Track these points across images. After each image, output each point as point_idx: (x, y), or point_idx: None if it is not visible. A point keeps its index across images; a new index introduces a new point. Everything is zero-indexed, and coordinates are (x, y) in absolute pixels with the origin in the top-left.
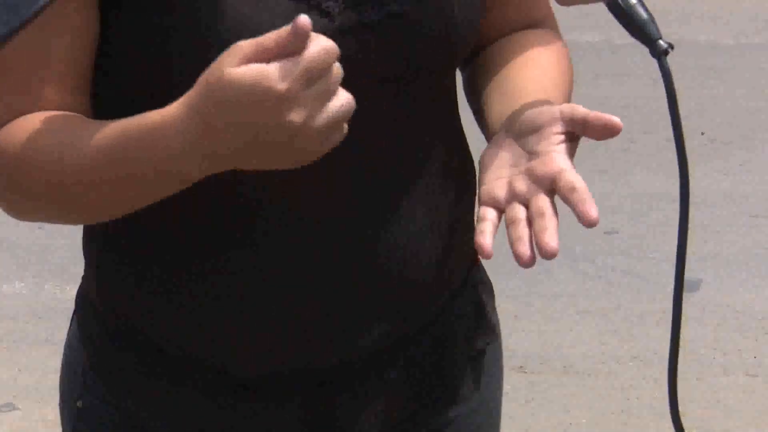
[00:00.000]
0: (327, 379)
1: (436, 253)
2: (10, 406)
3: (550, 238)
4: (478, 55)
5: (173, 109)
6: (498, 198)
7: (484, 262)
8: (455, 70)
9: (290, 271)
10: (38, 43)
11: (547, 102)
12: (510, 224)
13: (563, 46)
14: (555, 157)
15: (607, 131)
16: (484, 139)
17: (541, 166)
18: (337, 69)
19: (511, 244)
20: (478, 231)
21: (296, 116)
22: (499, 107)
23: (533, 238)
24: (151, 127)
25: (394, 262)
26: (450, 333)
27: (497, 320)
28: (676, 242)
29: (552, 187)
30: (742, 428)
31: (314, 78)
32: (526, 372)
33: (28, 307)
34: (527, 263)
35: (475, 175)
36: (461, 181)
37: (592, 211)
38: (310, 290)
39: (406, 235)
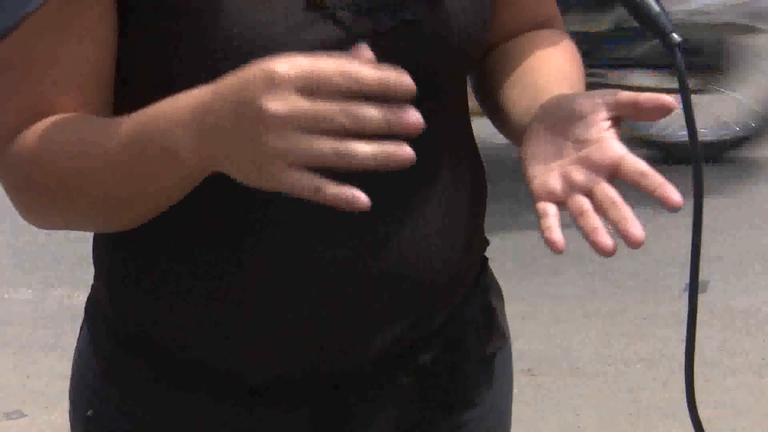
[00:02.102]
0: (339, 384)
1: (448, 256)
2: (19, 413)
3: (635, 227)
4: (487, 57)
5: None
6: (554, 191)
7: (492, 266)
8: (466, 76)
9: (302, 274)
10: (60, 51)
11: (578, 91)
12: (579, 215)
13: (571, 44)
14: (610, 143)
15: (660, 111)
16: (489, 145)
17: (597, 154)
18: (357, 108)
19: (587, 235)
20: (544, 227)
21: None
22: (525, 102)
23: (616, 227)
24: (160, 113)
25: (407, 265)
26: (461, 338)
27: (507, 325)
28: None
29: (611, 174)
30: (750, 429)
31: (313, 90)
32: (534, 374)
33: (36, 313)
34: (610, 253)
35: (485, 178)
36: (473, 184)
37: (674, 195)
38: (321, 294)
39: (418, 238)
